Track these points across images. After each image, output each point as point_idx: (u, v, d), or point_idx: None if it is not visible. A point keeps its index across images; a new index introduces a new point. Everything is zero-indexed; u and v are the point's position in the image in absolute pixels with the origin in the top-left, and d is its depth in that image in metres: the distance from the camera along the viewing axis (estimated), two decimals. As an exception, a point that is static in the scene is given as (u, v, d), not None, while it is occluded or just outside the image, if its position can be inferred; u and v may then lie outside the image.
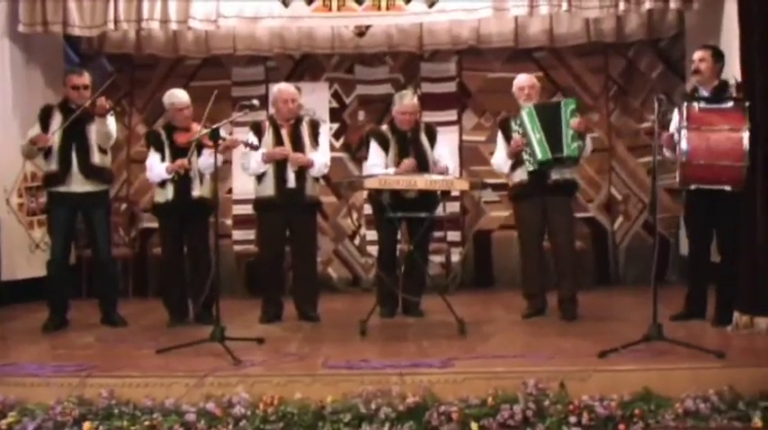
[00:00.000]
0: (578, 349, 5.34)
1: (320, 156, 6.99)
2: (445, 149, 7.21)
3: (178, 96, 6.95)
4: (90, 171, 6.74)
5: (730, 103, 5.95)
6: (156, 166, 6.84)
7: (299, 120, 7.06)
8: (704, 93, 6.20)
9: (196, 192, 6.81)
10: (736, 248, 6.08)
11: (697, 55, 6.32)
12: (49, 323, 6.70)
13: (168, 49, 9.31)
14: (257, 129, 6.96)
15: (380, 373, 4.83)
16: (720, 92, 6.16)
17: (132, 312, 7.28)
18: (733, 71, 6.25)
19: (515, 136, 6.76)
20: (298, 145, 6.93)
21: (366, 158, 7.18)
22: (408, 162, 6.81)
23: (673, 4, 7.98)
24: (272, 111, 7.22)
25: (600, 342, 5.38)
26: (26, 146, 6.80)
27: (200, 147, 6.63)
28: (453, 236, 9.21)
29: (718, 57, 6.29)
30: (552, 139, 6.60)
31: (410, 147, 6.96)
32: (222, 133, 6.36)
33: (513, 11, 8.24)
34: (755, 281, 5.84)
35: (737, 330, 5.88)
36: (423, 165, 6.86)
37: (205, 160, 6.69)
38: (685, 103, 5.94)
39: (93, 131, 6.73)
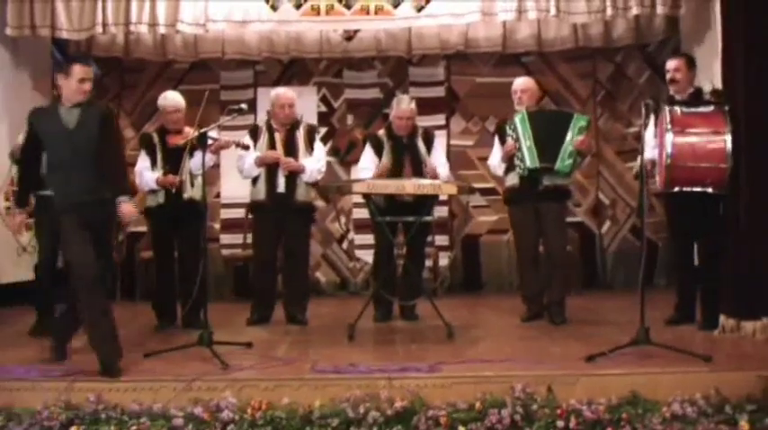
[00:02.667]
0: (566, 353, 5.35)
1: (313, 162, 6.99)
2: (442, 155, 7.24)
3: (169, 98, 6.94)
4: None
5: (711, 107, 6.02)
6: (146, 174, 6.83)
7: (295, 126, 7.07)
8: (680, 99, 6.26)
9: (187, 194, 6.80)
10: (718, 252, 6.12)
11: (671, 65, 6.40)
12: (37, 327, 6.67)
13: (157, 52, 9.30)
14: (254, 133, 6.99)
15: (368, 378, 4.83)
16: (696, 98, 6.23)
17: (119, 316, 7.16)
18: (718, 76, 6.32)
19: (509, 140, 6.76)
20: (291, 150, 6.94)
21: (355, 162, 7.20)
22: (383, 166, 6.82)
23: (660, 10, 8.02)
24: (262, 115, 7.20)
25: (588, 346, 5.40)
26: (15, 152, 6.77)
27: (192, 150, 6.63)
28: (441, 240, 9.21)
29: (691, 64, 6.40)
30: (547, 148, 6.57)
31: (405, 152, 6.97)
32: (214, 134, 6.36)
33: (501, 16, 8.26)
34: (741, 284, 5.87)
35: (724, 334, 5.91)
36: (418, 171, 6.87)
37: (197, 161, 6.70)
38: (668, 107, 6.02)
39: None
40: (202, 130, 5.98)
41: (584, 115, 6.97)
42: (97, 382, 4.84)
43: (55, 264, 7.05)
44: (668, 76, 6.40)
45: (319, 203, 9.07)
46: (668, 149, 5.88)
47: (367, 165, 7.00)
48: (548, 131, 6.61)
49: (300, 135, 7.04)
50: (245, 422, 4.55)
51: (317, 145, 7.16)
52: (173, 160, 6.73)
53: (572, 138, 6.58)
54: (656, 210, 9.27)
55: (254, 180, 6.98)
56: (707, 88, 6.29)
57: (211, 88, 9.10)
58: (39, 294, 6.83)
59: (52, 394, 4.73)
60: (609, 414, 4.50)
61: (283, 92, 7.13)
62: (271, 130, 6.99)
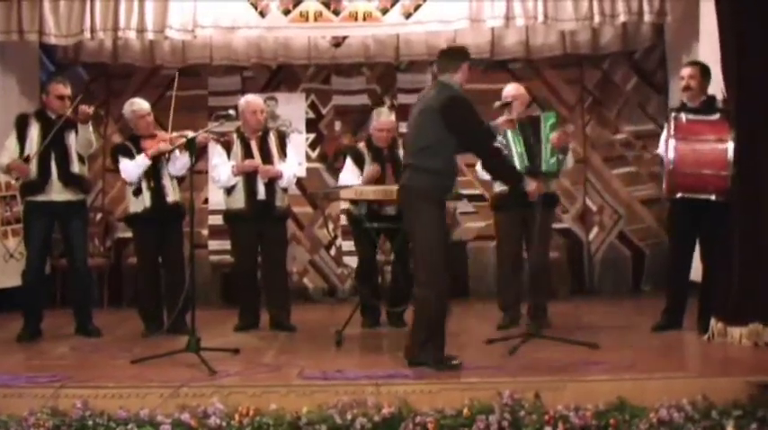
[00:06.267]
0: (552, 359, 5.36)
1: (289, 167, 7.03)
2: None
3: (139, 104, 6.94)
4: (69, 179, 6.72)
5: (717, 115, 6.10)
6: (130, 164, 6.77)
7: (266, 132, 7.09)
8: (692, 107, 6.30)
9: (170, 197, 6.81)
10: (718, 258, 6.15)
11: (686, 72, 6.42)
12: (24, 333, 6.66)
13: (144, 58, 9.28)
14: (225, 143, 6.98)
15: (356, 384, 4.83)
16: (708, 106, 6.27)
17: (107, 322, 7.24)
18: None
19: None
20: (266, 156, 6.96)
21: (341, 170, 7.22)
22: (372, 169, 6.83)
23: (647, 17, 8.08)
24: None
25: (574, 352, 5.41)
26: (2, 167, 6.77)
27: (170, 152, 6.64)
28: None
29: (705, 73, 6.40)
30: (532, 153, 6.60)
31: (386, 163, 6.98)
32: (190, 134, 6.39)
33: (489, 22, 8.30)
34: (730, 290, 5.89)
35: (713, 339, 5.92)
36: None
37: (174, 163, 6.69)
38: (673, 114, 6.10)
39: (71, 140, 6.71)
40: (190, 136, 5.98)
41: (549, 113, 7.00)
42: (84, 389, 4.82)
43: (43, 271, 7.05)
44: (682, 83, 6.43)
45: (299, 209, 9.11)
46: (670, 155, 5.98)
47: (348, 178, 7.00)
48: (529, 136, 6.63)
49: (272, 141, 7.06)
50: (232, 428, 4.54)
51: (290, 149, 7.18)
52: (152, 165, 6.73)
53: (547, 137, 6.61)
54: (641, 216, 9.36)
55: (229, 189, 6.99)
56: (719, 96, 6.33)
57: (199, 94, 9.21)
58: (26, 300, 6.80)
59: (38, 401, 4.71)
60: (596, 420, 4.51)
61: (253, 98, 7.16)
62: (243, 138, 7.00)
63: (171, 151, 6.52)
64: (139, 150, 6.80)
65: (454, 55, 5.63)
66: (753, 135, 5.85)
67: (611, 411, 4.55)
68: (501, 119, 6.07)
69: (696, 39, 7.83)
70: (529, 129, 6.65)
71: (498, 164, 5.76)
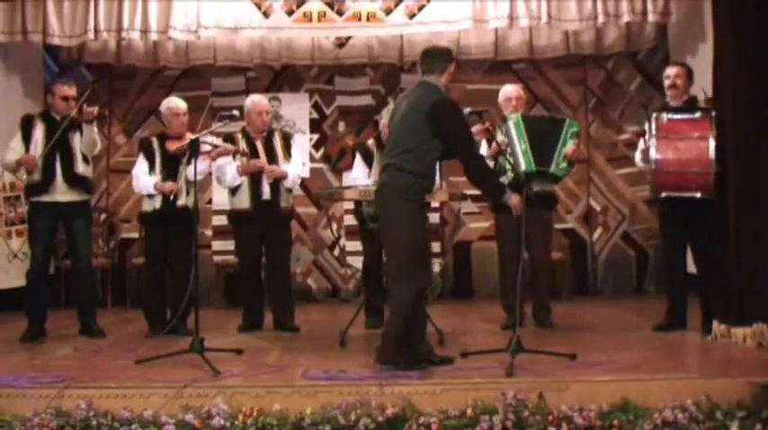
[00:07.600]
0: (556, 360, 5.35)
1: (293, 168, 7.03)
2: None
3: (176, 102, 6.93)
4: (74, 180, 6.73)
5: (698, 113, 6.11)
6: (143, 178, 6.81)
7: (271, 132, 7.09)
8: (674, 106, 6.33)
9: (181, 201, 6.77)
10: (713, 257, 6.15)
11: (672, 71, 6.49)
12: (27, 333, 6.66)
13: (148, 59, 9.29)
14: (230, 143, 6.97)
15: (359, 384, 4.81)
16: (690, 105, 6.31)
17: (111, 323, 7.25)
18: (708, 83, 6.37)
19: (495, 142, 6.74)
20: (272, 157, 6.96)
21: (346, 169, 7.20)
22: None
23: (651, 17, 8.07)
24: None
25: (578, 352, 5.40)
26: (11, 164, 6.79)
27: (191, 157, 6.63)
28: (433, 247, 9.20)
29: (690, 73, 6.50)
30: (541, 152, 6.51)
31: None
32: (213, 140, 6.38)
33: (493, 23, 8.30)
34: (729, 292, 5.89)
35: (717, 340, 5.92)
36: None
37: (192, 169, 6.70)
38: (654, 114, 6.12)
39: (76, 140, 6.72)
40: (195, 137, 5.99)
41: (575, 121, 6.96)
42: (88, 389, 4.81)
43: (47, 271, 7.05)
44: (668, 82, 6.47)
45: (303, 209, 9.12)
46: (653, 155, 6.00)
47: (357, 174, 7.01)
48: (541, 136, 6.56)
49: (277, 141, 7.07)
50: (236, 428, 4.53)
51: (295, 150, 7.18)
52: (171, 166, 6.73)
53: (564, 143, 6.55)
54: (645, 217, 9.35)
55: (233, 189, 7.00)
56: (701, 96, 6.35)
57: (202, 95, 9.22)
58: (30, 301, 6.81)
59: (42, 401, 4.71)
60: (600, 420, 4.49)
61: (259, 99, 7.16)
62: (249, 139, 7.00)
63: (186, 154, 6.50)
64: (162, 148, 6.80)
65: (439, 56, 5.44)
66: (748, 135, 5.85)
67: (614, 412, 4.54)
68: (476, 128, 6.04)
69: (700, 39, 7.84)
70: (543, 129, 6.59)
71: (483, 173, 5.51)
